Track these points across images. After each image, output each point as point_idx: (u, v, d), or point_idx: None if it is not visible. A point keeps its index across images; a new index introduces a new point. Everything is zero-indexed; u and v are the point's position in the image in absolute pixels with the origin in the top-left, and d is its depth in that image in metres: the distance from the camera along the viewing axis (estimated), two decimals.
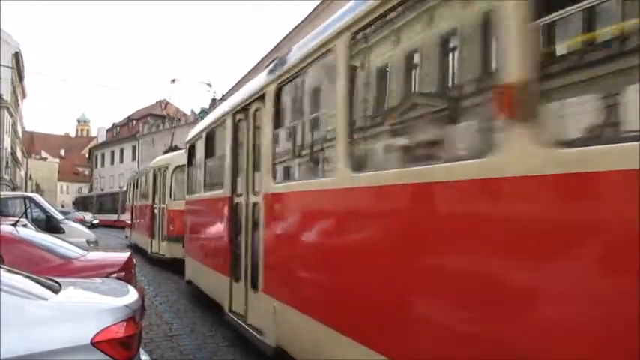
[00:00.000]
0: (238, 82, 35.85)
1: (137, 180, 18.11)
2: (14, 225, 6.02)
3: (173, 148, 15.74)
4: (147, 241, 14.31)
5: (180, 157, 12.22)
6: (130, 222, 19.57)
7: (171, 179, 12.69)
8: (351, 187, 3.22)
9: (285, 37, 28.62)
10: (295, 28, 27.17)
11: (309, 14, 25.43)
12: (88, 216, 35.38)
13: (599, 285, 1.75)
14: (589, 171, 1.77)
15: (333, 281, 3.47)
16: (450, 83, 2.96)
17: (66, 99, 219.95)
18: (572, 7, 2.03)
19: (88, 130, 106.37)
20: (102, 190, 57.11)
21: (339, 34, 3.47)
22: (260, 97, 5.13)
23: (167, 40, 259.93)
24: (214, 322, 6.91)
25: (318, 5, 24.73)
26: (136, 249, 15.16)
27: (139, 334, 2.98)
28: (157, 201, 13.60)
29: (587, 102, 2.12)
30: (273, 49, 30.33)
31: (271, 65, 5.06)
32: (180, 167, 12.01)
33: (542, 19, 2.08)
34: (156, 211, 13.57)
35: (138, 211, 17.16)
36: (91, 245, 9.55)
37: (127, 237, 20.67)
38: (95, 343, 2.57)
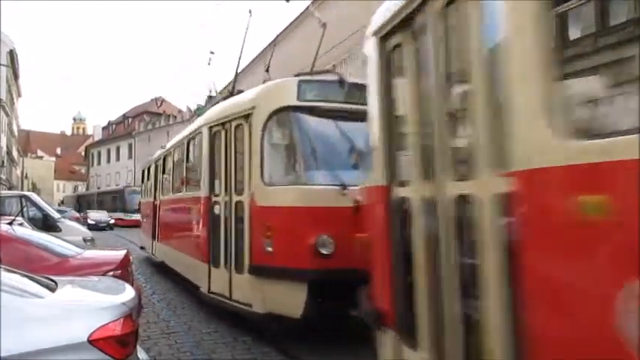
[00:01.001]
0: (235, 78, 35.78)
1: (164, 158, 11.18)
2: (10, 224, 6.01)
3: (235, 93, 7.89)
4: (200, 270, 7.16)
5: (281, 92, 5.98)
6: (150, 227, 12.39)
7: (263, 140, 5.87)
8: None
9: (280, 33, 28.59)
10: (290, 25, 27.17)
11: (303, 12, 25.46)
12: (101, 215, 32.31)
13: None
14: None
15: None
16: None
17: (62, 97, 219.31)
18: None
19: (84, 128, 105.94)
20: (98, 188, 57.29)
21: None
22: None
23: (161, 37, 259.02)
24: (212, 319, 6.92)
25: (309, 5, 24.76)
26: (163, 271, 10.82)
27: (135, 331, 2.99)
28: (219, 190, 6.77)
29: None
30: (268, 45, 30.33)
31: None
32: (287, 111, 5.85)
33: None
34: (217, 211, 6.74)
35: (172, 211, 9.90)
36: (88, 243, 9.54)
37: (143, 248, 14.13)
38: (92, 341, 2.58)
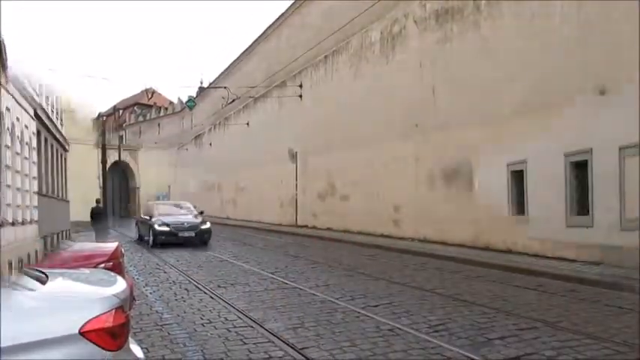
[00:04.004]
0: (226, 69, 35.67)
1: None
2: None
3: None
4: None
5: None
6: None
7: None
8: None
9: (270, 26, 28.43)
10: (280, 16, 26.99)
11: (294, 2, 25.31)
12: (175, 210, 18.00)
13: None
14: None
15: None
16: None
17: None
18: None
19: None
20: None
21: None
22: None
23: (152, 29, 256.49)
24: (205, 310, 6.93)
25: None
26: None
27: (127, 323, 2.98)
28: None
29: None
30: (259, 36, 30.14)
31: None
32: None
33: None
34: None
35: None
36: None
37: None
38: (83, 333, 2.57)
